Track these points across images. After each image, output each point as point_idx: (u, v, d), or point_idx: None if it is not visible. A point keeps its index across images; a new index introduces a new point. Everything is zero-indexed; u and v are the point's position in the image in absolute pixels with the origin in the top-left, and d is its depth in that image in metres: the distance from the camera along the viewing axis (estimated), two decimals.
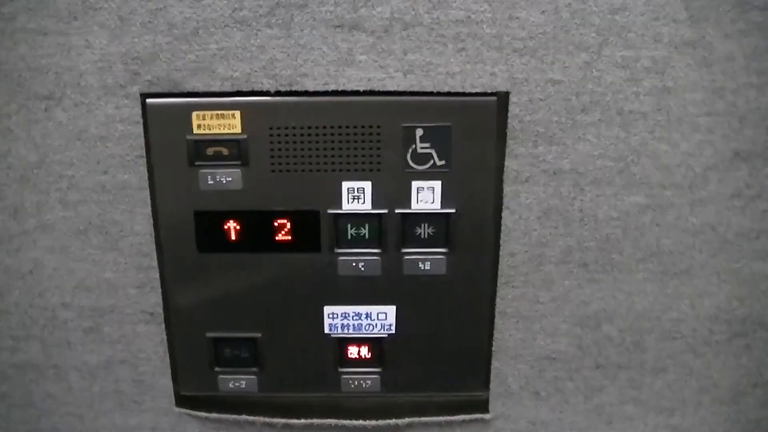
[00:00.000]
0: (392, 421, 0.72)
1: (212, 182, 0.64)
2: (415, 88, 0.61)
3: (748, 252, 0.66)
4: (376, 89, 0.61)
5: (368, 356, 0.70)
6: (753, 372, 0.71)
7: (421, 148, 0.63)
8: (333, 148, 0.63)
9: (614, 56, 0.60)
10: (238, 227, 0.65)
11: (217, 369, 0.71)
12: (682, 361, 0.70)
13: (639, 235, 0.65)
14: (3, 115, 0.63)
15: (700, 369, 0.70)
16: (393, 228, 0.65)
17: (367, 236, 0.65)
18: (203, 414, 0.72)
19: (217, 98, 0.62)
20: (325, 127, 0.62)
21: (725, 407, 0.72)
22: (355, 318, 0.68)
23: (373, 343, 0.70)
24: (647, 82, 0.61)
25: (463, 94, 0.61)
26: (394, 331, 0.69)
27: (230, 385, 0.71)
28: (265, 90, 0.62)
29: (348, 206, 0.64)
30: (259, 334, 0.69)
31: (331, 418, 0.72)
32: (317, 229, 0.65)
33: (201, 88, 0.61)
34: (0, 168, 0.64)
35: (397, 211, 0.64)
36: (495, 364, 0.70)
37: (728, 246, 0.66)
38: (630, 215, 0.65)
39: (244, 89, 0.62)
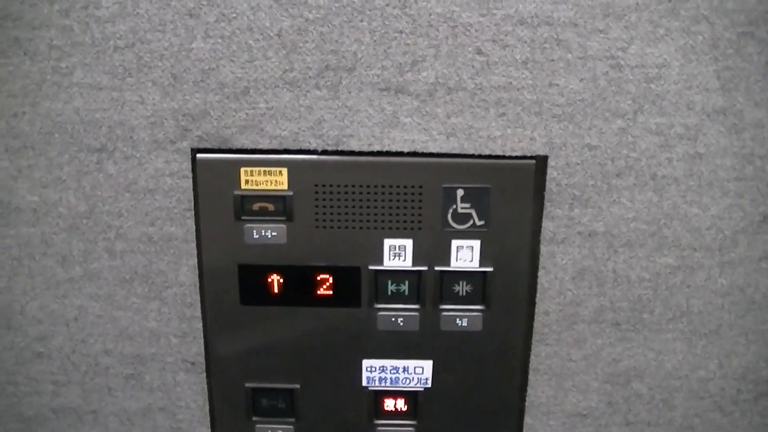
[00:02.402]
0: None
1: (257, 236, 0.65)
2: (457, 151, 0.63)
3: None
4: (419, 150, 0.63)
5: (404, 409, 0.71)
6: None
7: (462, 208, 0.64)
8: (376, 206, 0.64)
9: (648, 123, 0.62)
10: (280, 281, 0.67)
11: (254, 418, 0.72)
12: (710, 419, 0.71)
13: (669, 296, 0.67)
14: (55, 165, 0.64)
15: (728, 427, 0.71)
16: (432, 285, 0.66)
17: (406, 292, 0.67)
18: None
19: (264, 155, 0.64)
20: (368, 186, 0.64)
21: None
22: (392, 371, 0.69)
23: (409, 396, 0.71)
24: (680, 148, 0.63)
25: (503, 157, 0.63)
26: (430, 385, 0.70)
27: None
28: (311, 149, 0.63)
29: (389, 263, 0.66)
30: (297, 385, 0.70)
31: None
32: (358, 284, 0.67)
33: (249, 145, 0.63)
34: (50, 216, 0.66)
35: (436, 268, 0.66)
36: (527, 419, 0.71)
37: (756, 307, 0.67)
38: (661, 276, 0.66)
39: (292, 147, 0.63)
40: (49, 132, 0.64)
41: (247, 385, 0.70)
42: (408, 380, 0.70)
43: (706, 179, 0.63)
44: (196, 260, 0.67)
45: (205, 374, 0.70)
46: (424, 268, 0.66)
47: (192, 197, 0.65)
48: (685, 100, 0.61)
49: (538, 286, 0.67)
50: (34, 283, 0.68)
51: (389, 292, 0.67)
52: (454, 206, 0.64)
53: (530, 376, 0.70)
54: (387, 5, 0.59)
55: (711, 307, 0.67)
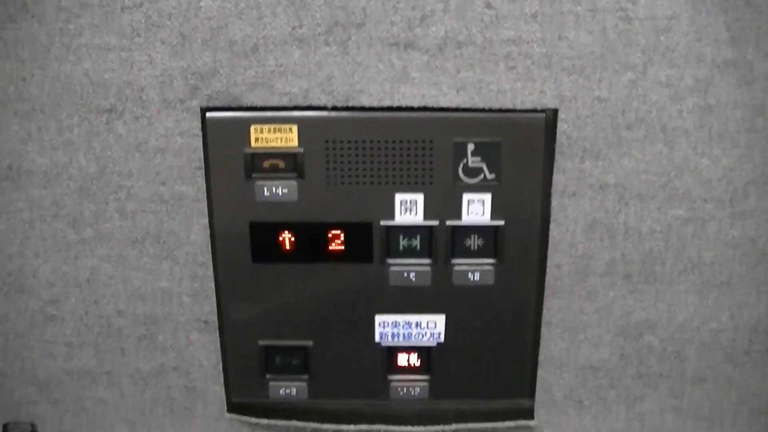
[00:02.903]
0: (439, 428, 0.73)
1: (268, 194, 0.65)
2: (467, 105, 0.63)
3: None
4: (430, 105, 0.63)
5: (417, 364, 0.71)
6: None
7: (472, 162, 0.64)
8: (387, 162, 0.64)
9: (658, 75, 0.62)
10: (292, 238, 0.67)
11: (268, 376, 0.72)
12: (722, 371, 0.71)
13: (681, 248, 0.67)
14: (65, 127, 0.65)
15: (739, 379, 0.72)
16: (443, 239, 0.66)
17: (418, 247, 0.67)
18: (254, 420, 0.74)
19: (275, 112, 0.64)
20: (379, 142, 0.64)
21: (763, 417, 0.73)
22: (405, 327, 0.70)
23: (422, 351, 0.71)
24: (690, 100, 0.63)
25: (514, 110, 0.63)
26: (443, 340, 0.70)
27: (281, 392, 0.72)
28: (322, 105, 0.63)
29: (400, 218, 0.66)
30: (310, 343, 0.71)
31: (379, 424, 0.73)
32: (369, 240, 0.67)
33: (259, 103, 0.63)
34: (61, 179, 0.66)
35: (447, 222, 0.66)
36: (540, 372, 0.71)
37: (767, 258, 0.67)
38: (672, 228, 0.66)
39: (302, 104, 0.63)
40: (59, 94, 0.64)
41: (260, 343, 0.71)
42: (421, 336, 0.70)
43: (717, 131, 0.63)
44: (207, 219, 0.67)
45: (217, 333, 0.71)
46: (436, 223, 0.66)
47: (202, 156, 0.65)
48: (695, 52, 0.61)
49: (550, 240, 0.67)
50: (45, 245, 0.68)
51: (401, 248, 0.67)
52: (465, 160, 0.64)
53: (543, 330, 0.70)
54: None
55: (722, 258, 0.67)
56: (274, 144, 0.64)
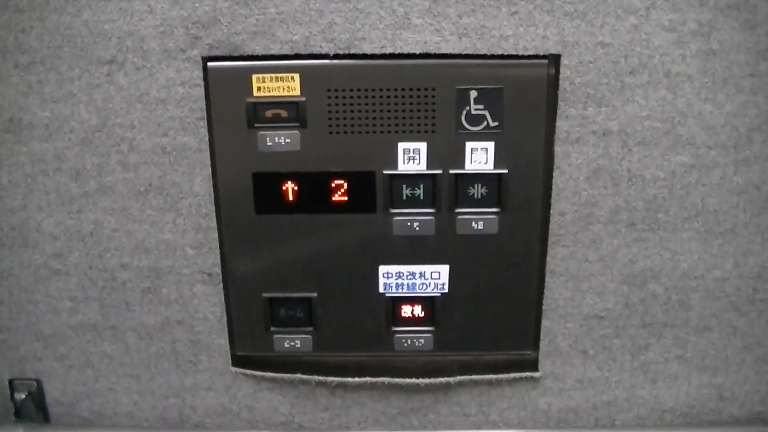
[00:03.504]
0: (444, 380, 0.73)
1: (270, 144, 0.65)
2: (469, 51, 0.63)
3: None
4: (432, 52, 0.63)
5: (421, 315, 0.72)
6: None
7: (475, 109, 0.64)
8: (389, 110, 0.64)
9: (661, 19, 0.62)
10: (295, 188, 0.67)
11: (272, 329, 0.72)
12: (726, 319, 0.71)
13: (685, 195, 0.67)
14: (66, 79, 0.64)
15: (744, 328, 0.72)
16: (447, 188, 0.66)
17: (421, 196, 0.67)
18: (258, 373, 0.74)
19: (276, 61, 0.63)
20: (381, 90, 0.64)
21: (767, 366, 0.74)
22: (409, 277, 0.70)
23: (426, 302, 0.71)
24: (693, 44, 0.62)
25: (516, 56, 0.63)
26: (447, 290, 0.70)
27: (285, 345, 0.72)
28: (323, 53, 0.63)
29: (403, 167, 0.66)
30: (314, 294, 0.71)
31: (384, 376, 0.73)
32: (373, 189, 0.67)
33: (260, 52, 0.63)
34: (62, 131, 0.66)
35: (451, 171, 0.66)
36: (545, 323, 0.71)
37: None
38: (676, 175, 0.66)
39: (303, 52, 0.63)
40: (59, 46, 0.63)
41: (264, 295, 0.71)
42: (425, 286, 0.70)
43: (720, 76, 0.63)
44: (210, 170, 0.67)
45: (221, 285, 0.71)
46: (439, 172, 0.66)
47: (204, 106, 0.65)
48: None
49: (553, 187, 0.67)
50: (49, 199, 0.68)
51: (404, 197, 0.67)
52: (468, 108, 0.64)
53: (547, 279, 0.70)
54: None
55: (726, 205, 0.67)
56: (276, 93, 0.64)
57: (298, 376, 0.74)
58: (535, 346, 0.73)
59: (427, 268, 0.70)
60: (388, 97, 0.64)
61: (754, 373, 0.74)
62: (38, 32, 0.63)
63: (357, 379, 0.74)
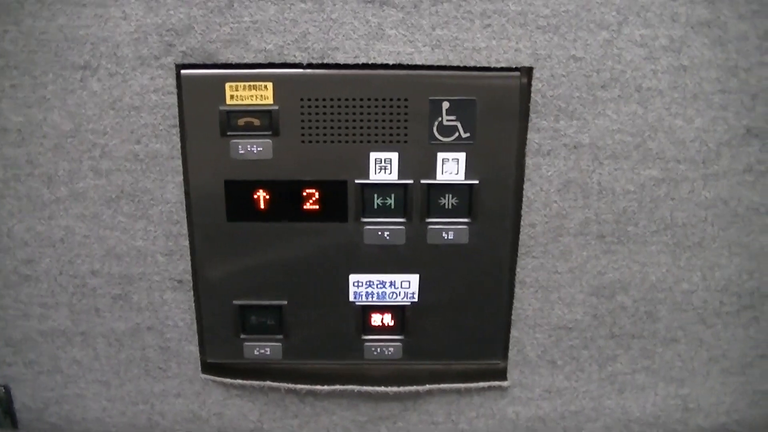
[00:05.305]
0: (413, 388, 0.74)
1: (243, 152, 0.65)
2: (442, 63, 0.63)
3: (758, 226, 0.68)
4: (405, 63, 0.63)
5: (391, 324, 0.72)
6: (761, 343, 0.73)
7: (447, 120, 0.64)
8: (362, 120, 0.64)
9: (633, 35, 0.62)
10: (267, 196, 0.67)
11: (242, 336, 0.72)
12: (693, 331, 0.72)
13: (654, 208, 0.67)
14: (39, 84, 0.64)
15: (710, 340, 0.72)
16: (418, 198, 0.67)
17: (392, 206, 0.67)
18: (228, 380, 0.74)
19: (250, 70, 0.63)
20: (354, 99, 0.64)
21: (733, 378, 0.74)
22: (379, 286, 0.70)
23: (396, 311, 0.71)
24: (664, 60, 0.63)
25: (489, 68, 0.63)
26: (417, 300, 0.71)
27: (255, 353, 0.72)
28: (297, 62, 0.63)
29: (375, 176, 0.66)
30: (284, 302, 0.71)
31: (353, 384, 0.74)
32: (344, 198, 0.67)
33: (234, 60, 0.63)
34: (34, 136, 0.66)
35: (422, 181, 0.66)
36: (513, 333, 0.72)
37: (739, 220, 0.68)
38: (646, 188, 0.67)
39: (277, 61, 0.63)
40: (33, 50, 0.63)
41: (235, 302, 0.71)
42: (395, 294, 0.70)
43: (691, 91, 0.64)
44: (182, 177, 0.67)
45: (192, 292, 0.71)
46: (410, 182, 0.66)
47: (177, 114, 0.65)
48: (670, 12, 0.62)
49: (524, 199, 0.67)
50: (20, 205, 0.68)
51: (375, 206, 0.67)
52: (440, 119, 0.64)
53: (516, 289, 0.70)
54: None
55: (695, 219, 0.68)
56: (249, 101, 0.64)
57: (268, 383, 0.74)
58: (504, 355, 0.73)
59: (397, 277, 0.70)
60: (361, 107, 0.64)
61: (720, 384, 0.74)
62: (13, 36, 0.63)
63: (326, 387, 0.74)
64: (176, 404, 0.76)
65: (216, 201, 0.67)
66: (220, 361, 0.74)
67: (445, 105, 0.64)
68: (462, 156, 0.65)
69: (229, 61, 0.63)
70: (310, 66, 0.63)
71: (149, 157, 0.66)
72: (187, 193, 0.67)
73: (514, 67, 0.63)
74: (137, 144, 0.66)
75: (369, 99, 0.64)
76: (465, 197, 0.67)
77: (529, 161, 0.66)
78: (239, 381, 0.74)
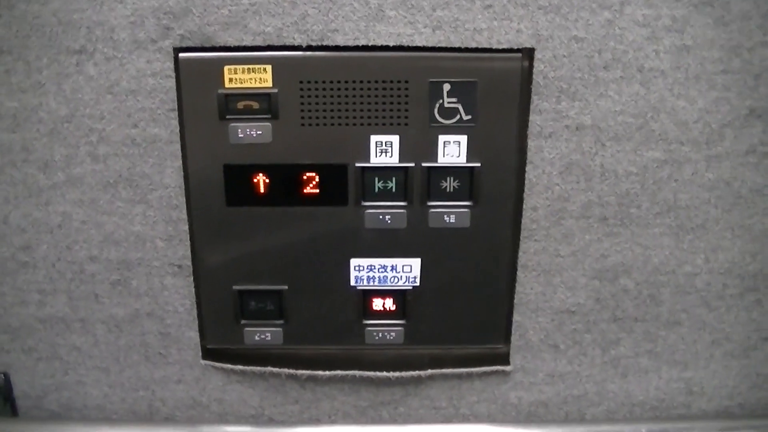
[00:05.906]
0: (414, 373, 0.73)
1: (242, 136, 0.65)
2: (443, 44, 0.62)
3: (761, 208, 0.68)
4: (405, 44, 0.62)
5: (392, 308, 0.71)
6: (764, 326, 0.73)
7: (448, 102, 0.64)
8: (362, 103, 0.64)
9: (635, 15, 0.62)
10: (266, 180, 0.66)
11: (242, 322, 0.72)
12: (696, 314, 0.72)
13: (656, 190, 0.67)
14: (34, 69, 0.63)
15: (713, 323, 0.72)
16: (419, 181, 0.66)
17: (393, 189, 0.67)
18: (228, 366, 0.74)
19: (248, 53, 0.63)
20: (354, 82, 0.63)
21: (736, 361, 0.74)
22: (380, 270, 0.70)
23: (397, 295, 0.71)
24: (667, 40, 0.62)
25: (490, 50, 0.63)
26: (418, 284, 0.70)
27: (255, 338, 0.72)
28: (296, 45, 0.63)
29: (376, 159, 0.65)
30: (285, 287, 0.70)
31: (354, 369, 0.73)
32: (345, 182, 0.66)
33: (233, 43, 0.62)
34: (30, 122, 0.65)
35: (423, 164, 0.66)
36: (516, 317, 0.71)
37: (742, 201, 0.68)
38: (648, 170, 0.66)
39: (276, 44, 0.62)
40: (27, 35, 0.62)
41: (235, 287, 0.70)
42: (396, 279, 0.70)
43: (693, 72, 0.63)
44: (180, 162, 0.66)
45: (192, 278, 0.70)
46: (412, 165, 0.66)
47: (175, 97, 0.64)
48: None
49: (526, 181, 0.66)
50: (16, 191, 0.68)
51: (376, 190, 0.67)
52: (441, 101, 0.64)
53: (519, 273, 0.70)
54: None
55: (698, 201, 0.67)
56: (248, 84, 0.63)
57: (268, 369, 0.73)
58: (506, 340, 0.73)
59: (398, 262, 0.69)
60: (361, 89, 0.63)
61: (723, 367, 0.74)
62: (6, 21, 0.62)
63: (327, 372, 0.73)
64: (177, 390, 0.75)
65: (215, 185, 0.66)
66: (221, 346, 0.73)
67: (446, 87, 0.63)
68: (463, 138, 0.65)
69: (228, 44, 0.63)
70: (309, 48, 0.63)
71: (147, 142, 0.65)
72: (186, 178, 0.67)
73: (515, 48, 0.63)
74: (135, 128, 0.65)
75: (369, 81, 0.63)
76: (466, 180, 0.66)
77: (531, 143, 0.65)
78: (240, 367, 0.74)
